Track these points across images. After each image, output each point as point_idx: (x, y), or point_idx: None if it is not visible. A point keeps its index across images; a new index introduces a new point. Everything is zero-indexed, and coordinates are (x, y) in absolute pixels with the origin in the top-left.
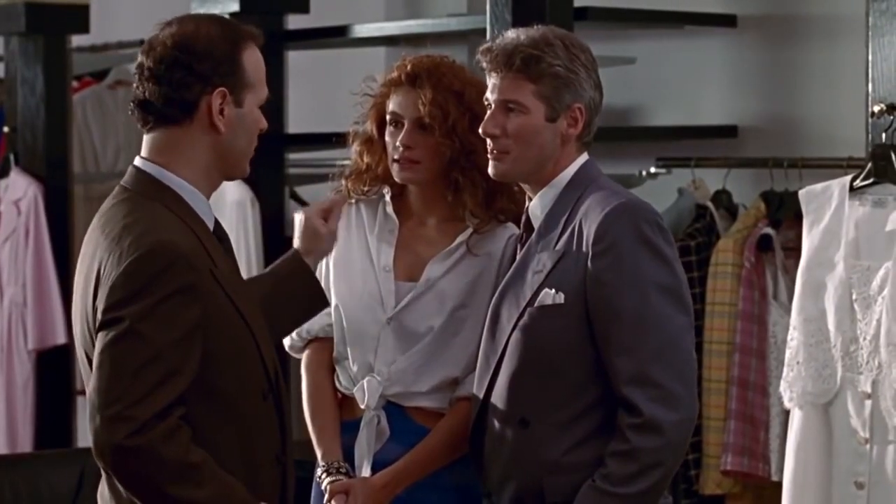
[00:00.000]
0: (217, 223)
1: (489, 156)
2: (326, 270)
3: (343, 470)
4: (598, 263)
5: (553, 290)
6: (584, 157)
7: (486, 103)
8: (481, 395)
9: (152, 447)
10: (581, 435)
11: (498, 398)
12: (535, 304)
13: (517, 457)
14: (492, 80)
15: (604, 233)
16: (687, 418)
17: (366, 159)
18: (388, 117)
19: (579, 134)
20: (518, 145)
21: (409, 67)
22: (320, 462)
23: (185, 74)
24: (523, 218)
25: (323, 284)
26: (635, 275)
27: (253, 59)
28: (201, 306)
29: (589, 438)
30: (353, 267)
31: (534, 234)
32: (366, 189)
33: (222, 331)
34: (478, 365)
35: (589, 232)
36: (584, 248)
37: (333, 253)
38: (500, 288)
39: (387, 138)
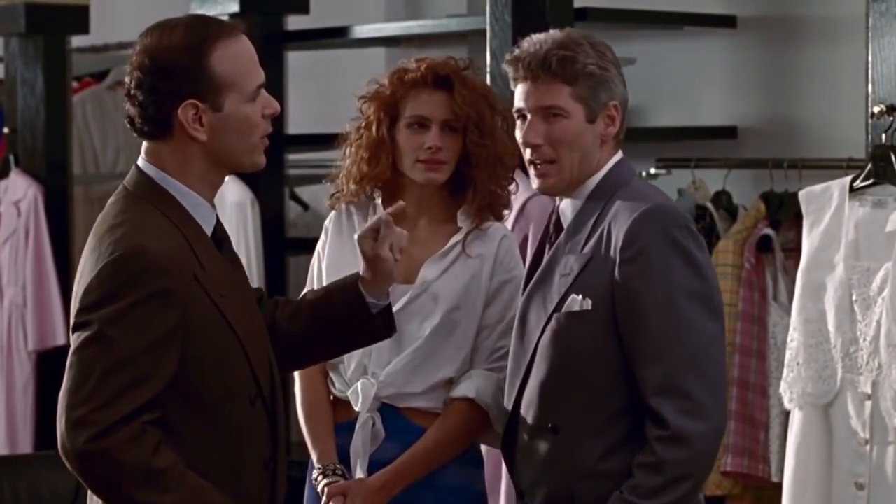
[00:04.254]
0: (218, 226)
1: (532, 169)
2: (319, 274)
3: (339, 472)
4: (626, 269)
5: (580, 297)
6: (618, 156)
7: (516, 114)
8: (512, 400)
9: (113, 452)
10: (611, 442)
11: (528, 403)
12: (563, 310)
13: (548, 462)
14: (523, 88)
15: (632, 238)
16: (715, 429)
17: (374, 164)
18: (406, 120)
19: (616, 133)
20: (563, 152)
21: (429, 69)
22: (316, 464)
23: (150, 95)
24: (552, 217)
25: (316, 287)
26: (664, 281)
27: (227, 58)
28: (178, 312)
29: (620, 446)
30: (346, 270)
31: (562, 235)
32: (367, 192)
33: (204, 335)
34: (508, 369)
35: (617, 236)
36: (611, 253)
37: (326, 257)
38: (528, 290)
39: (403, 140)
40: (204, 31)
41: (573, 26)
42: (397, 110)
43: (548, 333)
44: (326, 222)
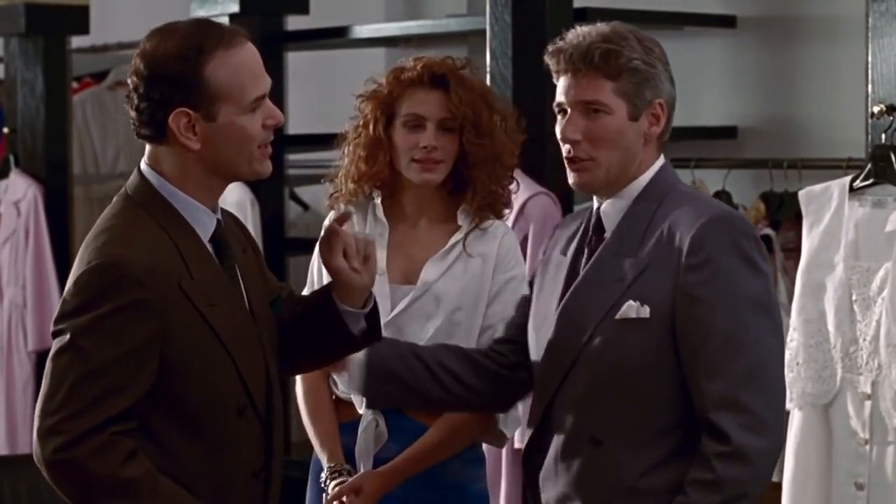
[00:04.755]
0: (221, 229)
1: (569, 165)
2: (318, 274)
3: (347, 472)
4: (691, 277)
5: (637, 303)
6: (662, 159)
7: (556, 108)
8: (542, 408)
9: (81, 461)
10: (657, 458)
11: (565, 413)
12: (617, 317)
13: (583, 476)
14: (564, 82)
15: (699, 245)
16: (776, 448)
17: (372, 163)
18: (402, 119)
19: (661, 132)
20: (603, 150)
21: (426, 68)
22: (325, 465)
23: (144, 100)
24: (591, 220)
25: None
26: (731, 291)
27: (223, 69)
28: (155, 322)
29: (665, 462)
30: None
31: (608, 239)
32: (365, 192)
33: (187, 345)
34: (537, 376)
35: (682, 243)
36: (675, 260)
37: None
38: (568, 293)
39: (399, 139)
40: (201, 39)
41: (572, 26)
42: (394, 109)
43: (597, 340)
44: (326, 222)
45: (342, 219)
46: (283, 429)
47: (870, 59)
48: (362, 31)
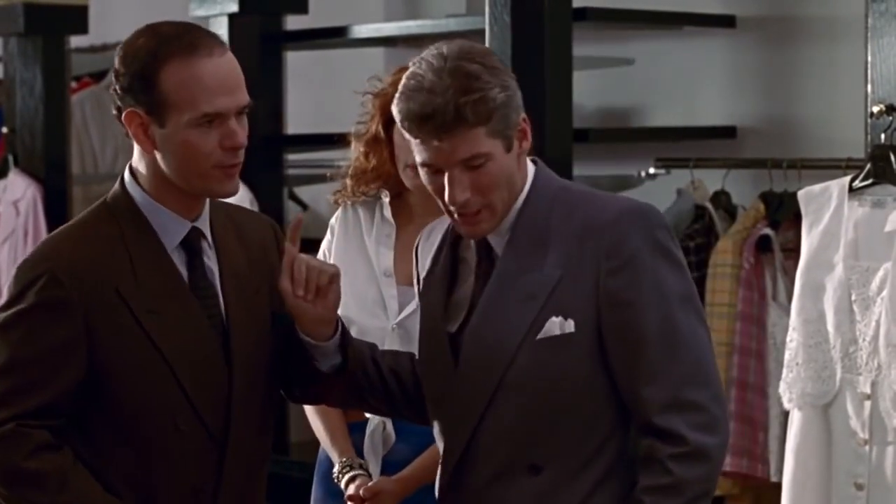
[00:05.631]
0: (195, 236)
1: (462, 220)
2: None
3: (360, 464)
4: (613, 282)
5: (560, 318)
6: (532, 165)
7: (422, 167)
8: (464, 441)
9: None
10: (597, 475)
11: (495, 443)
12: (540, 336)
13: None
14: (433, 146)
15: (616, 246)
16: (725, 440)
17: (371, 160)
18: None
19: (529, 143)
20: (494, 194)
21: None
22: (336, 460)
23: (114, 94)
24: (474, 243)
25: None
26: (658, 290)
27: (178, 77)
28: (76, 323)
29: (605, 478)
30: (355, 272)
31: (502, 258)
32: (366, 190)
33: (119, 351)
34: (443, 411)
35: (597, 247)
36: (592, 266)
37: (332, 258)
38: (472, 320)
39: (397, 142)
40: (166, 43)
41: (572, 27)
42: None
43: (520, 364)
44: (332, 220)
45: (295, 226)
46: (250, 451)
47: (869, 59)
48: (361, 30)
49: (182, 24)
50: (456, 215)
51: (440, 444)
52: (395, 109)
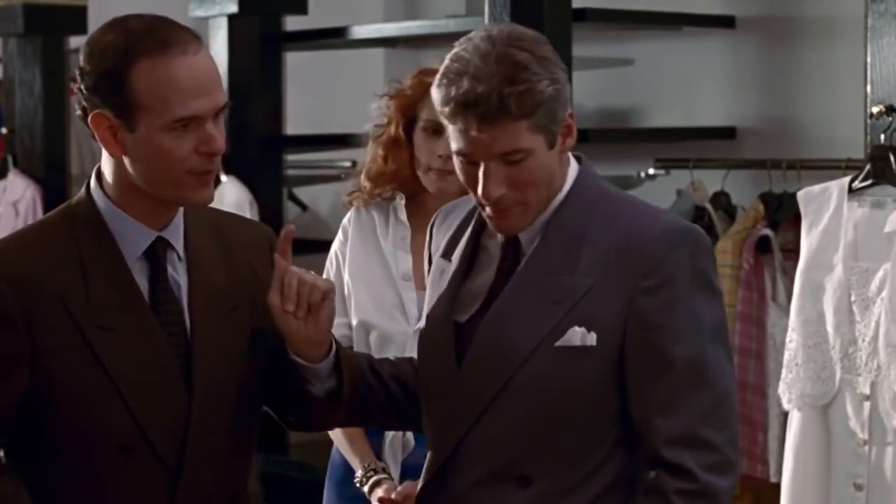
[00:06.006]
0: (161, 247)
1: (491, 215)
2: (338, 277)
3: (382, 469)
4: (648, 302)
5: (583, 329)
6: (576, 165)
7: (457, 158)
8: (452, 442)
9: None
10: (592, 496)
11: (485, 449)
12: (558, 344)
13: None
14: (469, 133)
15: (658, 265)
16: (734, 486)
17: (391, 163)
18: (422, 123)
19: (574, 139)
20: (531, 191)
21: None
22: (358, 465)
23: (79, 93)
24: (501, 237)
25: (340, 297)
26: (693, 319)
27: (150, 76)
28: (18, 337)
29: (599, 500)
30: (372, 275)
31: (531, 255)
32: (382, 192)
33: (62, 368)
34: (440, 403)
35: (636, 262)
36: (627, 281)
37: (348, 262)
38: (488, 316)
39: (418, 144)
40: (137, 38)
41: (571, 27)
42: (415, 112)
43: (531, 369)
44: (345, 222)
45: (286, 238)
46: (211, 485)
47: (869, 59)
48: (361, 31)
49: (153, 17)
50: (488, 209)
51: (428, 438)
52: (434, 92)
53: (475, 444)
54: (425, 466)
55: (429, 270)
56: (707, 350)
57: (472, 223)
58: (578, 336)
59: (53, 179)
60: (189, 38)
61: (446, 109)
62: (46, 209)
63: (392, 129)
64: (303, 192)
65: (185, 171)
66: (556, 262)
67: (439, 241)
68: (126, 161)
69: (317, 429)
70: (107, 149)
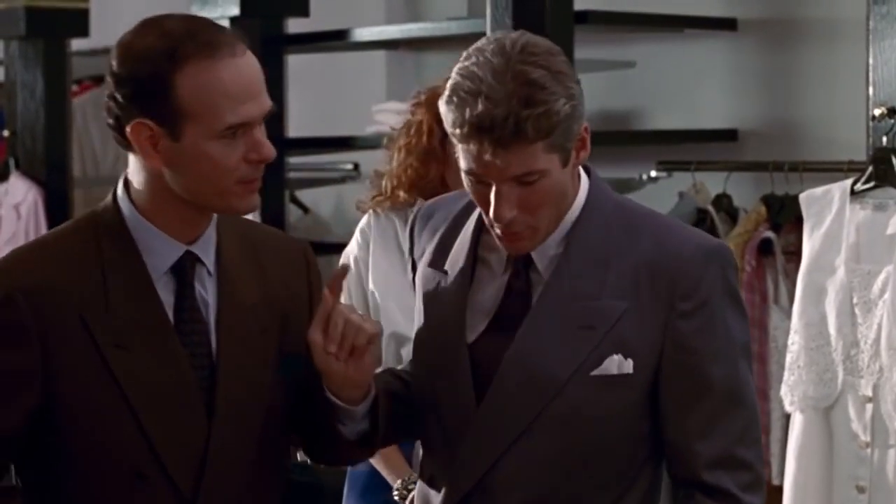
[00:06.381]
0: (189, 261)
1: (500, 236)
2: (359, 285)
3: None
4: (685, 325)
5: (620, 356)
6: (586, 177)
7: (467, 177)
8: (477, 476)
9: None
10: None
11: (515, 482)
12: (595, 372)
13: None
14: (483, 158)
15: (694, 287)
16: (764, 500)
17: (425, 172)
18: None
19: (587, 152)
20: (543, 212)
21: None
22: (397, 477)
23: (112, 101)
24: (497, 243)
25: (371, 307)
26: (728, 339)
27: (198, 81)
28: (32, 350)
29: None
30: (400, 283)
31: (553, 276)
32: (408, 199)
33: (76, 386)
34: (454, 435)
35: (672, 284)
36: (662, 303)
37: (372, 269)
38: (516, 341)
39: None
40: (179, 42)
41: (573, 29)
42: None
43: (565, 399)
44: (363, 226)
45: (339, 275)
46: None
47: (870, 61)
48: (363, 33)
49: (189, 17)
50: (497, 229)
51: (437, 467)
52: (444, 110)
53: (505, 474)
54: (440, 499)
55: (413, 277)
56: (740, 368)
57: (465, 232)
58: (616, 364)
59: (55, 182)
60: (233, 39)
61: (458, 131)
62: (48, 212)
63: (426, 139)
64: (304, 195)
65: (235, 181)
66: (581, 283)
67: (423, 246)
68: (165, 171)
69: (343, 465)
70: (147, 160)
